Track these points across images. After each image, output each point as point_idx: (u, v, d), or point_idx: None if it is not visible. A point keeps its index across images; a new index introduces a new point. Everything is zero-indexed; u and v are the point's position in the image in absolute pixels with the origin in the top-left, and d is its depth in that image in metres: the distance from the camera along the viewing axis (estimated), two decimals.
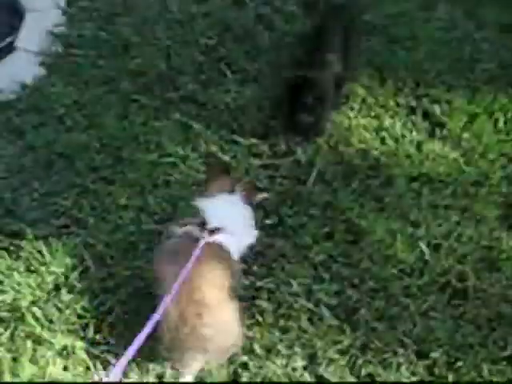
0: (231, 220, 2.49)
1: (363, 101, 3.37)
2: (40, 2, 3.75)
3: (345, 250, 2.90)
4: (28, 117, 3.31)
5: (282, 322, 2.70)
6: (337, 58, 3.20)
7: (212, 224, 2.41)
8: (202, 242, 2.33)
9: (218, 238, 2.41)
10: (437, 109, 3.34)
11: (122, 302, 2.74)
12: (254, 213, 2.66)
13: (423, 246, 2.90)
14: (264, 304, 2.75)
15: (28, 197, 3.06)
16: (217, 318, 2.25)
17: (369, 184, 3.08)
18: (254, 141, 3.20)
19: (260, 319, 2.69)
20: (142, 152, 3.18)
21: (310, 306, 2.73)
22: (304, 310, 2.73)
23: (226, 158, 3.13)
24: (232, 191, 2.58)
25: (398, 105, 3.37)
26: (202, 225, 2.41)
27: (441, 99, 3.38)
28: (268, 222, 2.94)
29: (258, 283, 2.78)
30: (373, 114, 3.33)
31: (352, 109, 3.34)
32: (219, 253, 2.41)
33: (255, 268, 2.82)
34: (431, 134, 3.28)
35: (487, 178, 3.13)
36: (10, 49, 3.59)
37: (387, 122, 3.30)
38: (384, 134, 3.26)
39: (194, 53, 3.52)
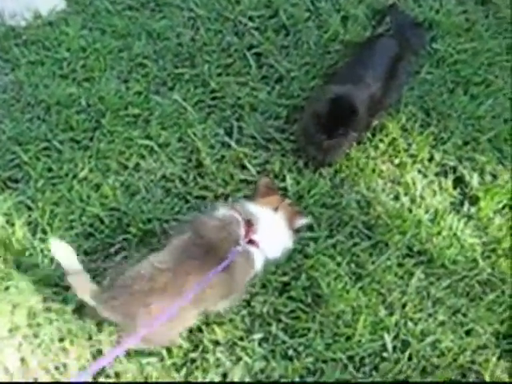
0: (270, 237, 2.25)
1: (392, 143, 2.81)
2: None
3: (296, 310, 2.42)
4: (28, 50, 3.01)
5: (187, 366, 2.30)
6: (376, 78, 2.66)
7: (257, 231, 2.21)
8: (237, 249, 2.14)
9: (252, 248, 2.21)
10: (475, 179, 2.73)
11: None
12: (292, 238, 2.36)
13: (388, 338, 2.37)
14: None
15: None
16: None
17: (356, 243, 2.57)
18: (247, 150, 2.74)
19: (165, 355, 2.30)
20: (124, 125, 2.81)
21: (227, 363, 2.30)
22: (217, 364, 2.30)
23: (207, 160, 2.69)
24: (276, 210, 2.30)
25: (431, 159, 2.79)
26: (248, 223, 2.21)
27: (485, 169, 2.77)
28: None
29: None
30: (397, 161, 2.78)
31: (376, 148, 2.80)
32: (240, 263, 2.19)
33: None
34: (456, 207, 2.70)
35: (502, 283, 2.53)
36: None
37: (410, 175, 2.73)
38: (400, 188, 2.70)
39: (225, 31, 3.05)
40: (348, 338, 2.38)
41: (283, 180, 2.67)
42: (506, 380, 2.35)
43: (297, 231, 2.40)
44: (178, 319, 2.07)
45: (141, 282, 2.05)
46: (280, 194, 2.48)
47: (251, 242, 2.19)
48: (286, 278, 2.47)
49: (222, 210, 2.23)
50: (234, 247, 2.12)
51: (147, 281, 2.05)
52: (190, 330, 2.37)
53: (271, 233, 2.25)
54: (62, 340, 2.34)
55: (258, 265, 2.25)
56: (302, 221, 2.39)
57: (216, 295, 2.18)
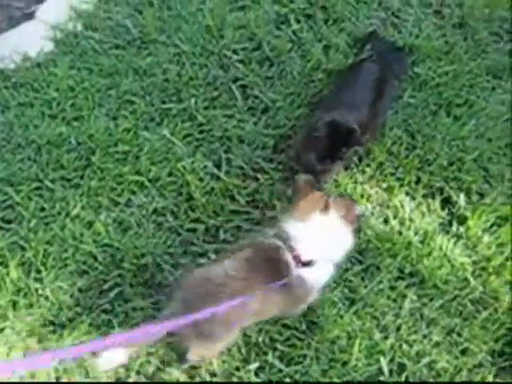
0: (325, 248, 2.16)
1: (379, 167, 2.86)
2: None
3: (291, 337, 2.44)
4: (18, 92, 3.06)
5: None
6: (361, 102, 2.75)
7: (305, 255, 2.11)
8: (292, 275, 2.08)
9: (304, 272, 2.11)
10: (462, 198, 2.77)
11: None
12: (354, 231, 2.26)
13: (384, 362, 2.38)
14: (175, 373, 2.35)
15: None
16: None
17: (347, 268, 2.58)
18: (235, 181, 2.78)
19: None
20: (114, 161, 2.84)
21: None
22: None
23: (197, 193, 2.72)
24: (325, 210, 2.15)
25: (418, 182, 2.83)
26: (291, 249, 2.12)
27: (471, 189, 2.81)
28: None
29: None
30: (385, 185, 2.81)
31: (363, 173, 2.84)
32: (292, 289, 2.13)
33: None
34: (445, 228, 2.73)
35: (495, 301, 2.55)
36: (30, 17, 3.34)
37: (398, 198, 2.77)
38: (389, 212, 2.74)
39: (211, 65, 3.11)
40: (344, 364, 2.39)
41: (273, 209, 2.70)
42: None
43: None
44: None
45: (209, 286, 2.04)
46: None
47: (305, 264, 2.11)
48: None
49: (268, 238, 2.17)
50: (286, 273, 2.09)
51: (217, 285, 2.04)
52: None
53: (324, 241, 2.14)
54: (58, 379, 2.35)
55: (321, 279, 2.21)
56: (358, 210, 2.28)
57: (271, 311, 2.20)
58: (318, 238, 2.14)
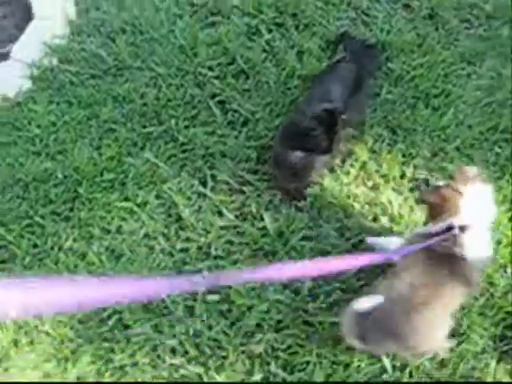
0: (484, 220, 2.20)
1: (363, 166, 2.86)
2: (49, 9, 3.52)
3: (292, 345, 2.45)
4: (0, 132, 3.10)
5: None
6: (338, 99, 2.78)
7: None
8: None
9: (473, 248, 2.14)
10: None
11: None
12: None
13: (386, 359, 2.40)
14: None
15: None
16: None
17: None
18: (222, 197, 2.80)
19: None
20: (101, 191, 2.88)
21: None
22: None
23: (186, 213, 2.75)
24: (460, 195, 2.19)
25: (403, 176, 2.84)
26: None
27: None
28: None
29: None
30: (370, 183, 2.83)
31: (347, 174, 2.85)
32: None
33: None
34: None
35: (490, 286, 2.56)
36: (5, 57, 3.39)
37: (385, 195, 2.78)
38: (377, 209, 2.75)
39: (187, 84, 3.14)
40: (347, 366, 2.40)
41: (262, 219, 2.72)
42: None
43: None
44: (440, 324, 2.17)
45: (401, 304, 2.12)
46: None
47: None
48: (279, 316, 2.50)
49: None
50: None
51: (406, 301, 2.11)
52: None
53: (480, 216, 2.18)
54: None
55: (486, 246, 2.22)
56: (472, 171, 2.28)
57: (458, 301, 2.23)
58: (476, 218, 2.17)
